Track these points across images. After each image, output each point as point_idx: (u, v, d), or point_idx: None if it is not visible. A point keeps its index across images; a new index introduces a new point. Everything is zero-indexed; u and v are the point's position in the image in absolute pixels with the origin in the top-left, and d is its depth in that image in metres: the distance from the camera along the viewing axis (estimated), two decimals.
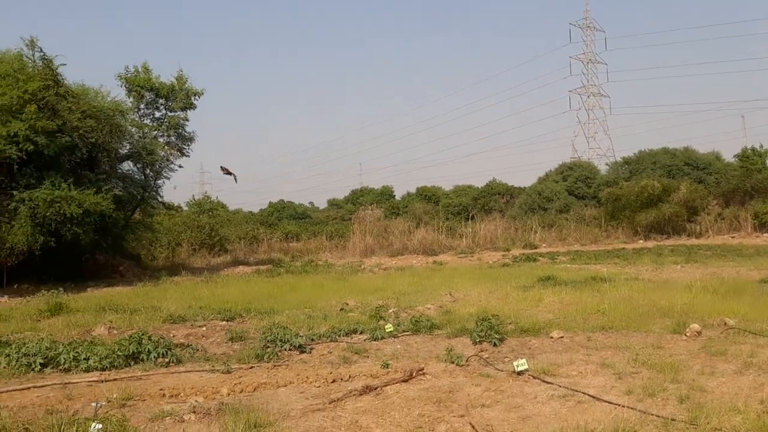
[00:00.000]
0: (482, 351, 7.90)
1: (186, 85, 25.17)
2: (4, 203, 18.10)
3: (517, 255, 26.36)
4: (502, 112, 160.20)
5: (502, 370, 6.85)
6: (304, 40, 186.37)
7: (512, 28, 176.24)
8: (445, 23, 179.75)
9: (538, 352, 7.80)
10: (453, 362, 7.26)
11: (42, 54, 19.71)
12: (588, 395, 5.76)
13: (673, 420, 4.99)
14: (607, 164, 63.89)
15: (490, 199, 54.28)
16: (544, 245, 33.43)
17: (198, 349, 8.51)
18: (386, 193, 69.68)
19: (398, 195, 69.40)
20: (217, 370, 7.28)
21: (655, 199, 35.72)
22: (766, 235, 33.01)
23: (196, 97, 25.54)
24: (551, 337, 8.61)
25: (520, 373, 6.55)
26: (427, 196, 62.61)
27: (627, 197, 36.98)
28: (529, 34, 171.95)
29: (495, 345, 8.19)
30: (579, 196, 50.08)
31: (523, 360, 6.72)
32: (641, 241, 33.50)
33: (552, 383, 6.21)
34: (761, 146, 46.17)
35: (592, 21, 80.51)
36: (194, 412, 5.58)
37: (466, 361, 7.34)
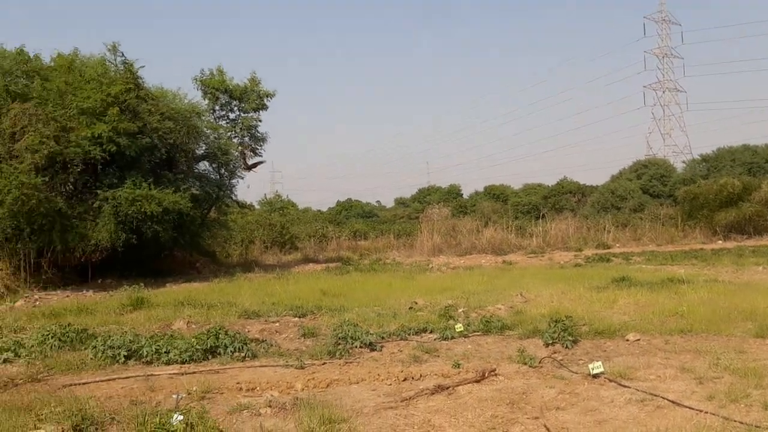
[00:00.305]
0: (555, 353, 7.79)
1: (258, 87, 25.77)
2: (89, 202, 18.97)
3: (589, 255, 25.79)
4: (572, 109, 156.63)
5: (576, 373, 6.74)
6: (369, 35, 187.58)
7: (583, 21, 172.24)
8: (513, 17, 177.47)
9: (613, 355, 7.63)
10: (525, 363, 7.19)
11: (123, 58, 20.56)
12: (667, 400, 5.62)
13: (757, 427, 4.83)
14: (683, 162, 61.74)
15: (561, 198, 53.20)
16: (617, 245, 32.56)
17: (272, 345, 8.71)
18: (453, 192, 69.25)
19: (466, 193, 68.95)
20: (291, 366, 7.43)
21: (735, 197, 34.24)
22: None
23: (268, 99, 26.15)
24: (627, 340, 8.41)
25: (595, 375, 6.43)
26: (496, 194, 61.87)
27: (705, 196, 35.60)
28: (601, 29, 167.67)
29: (568, 347, 8.06)
30: (654, 194, 48.55)
31: (599, 362, 6.59)
32: (720, 242, 32.19)
33: (629, 387, 6.07)
34: None
35: (667, 14, 77.88)
36: (270, 406, 5.73)
37: (539, 362, 7.26)
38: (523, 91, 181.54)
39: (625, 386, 6.12)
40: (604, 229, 36.18)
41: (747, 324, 8.98)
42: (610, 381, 6.34)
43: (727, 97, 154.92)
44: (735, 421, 4.99)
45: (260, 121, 26.21)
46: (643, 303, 11.28)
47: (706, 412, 5.21)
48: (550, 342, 8.23)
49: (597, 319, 9.65)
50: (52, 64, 20.39)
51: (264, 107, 26.08)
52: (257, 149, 26.21)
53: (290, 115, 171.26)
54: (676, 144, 75.95)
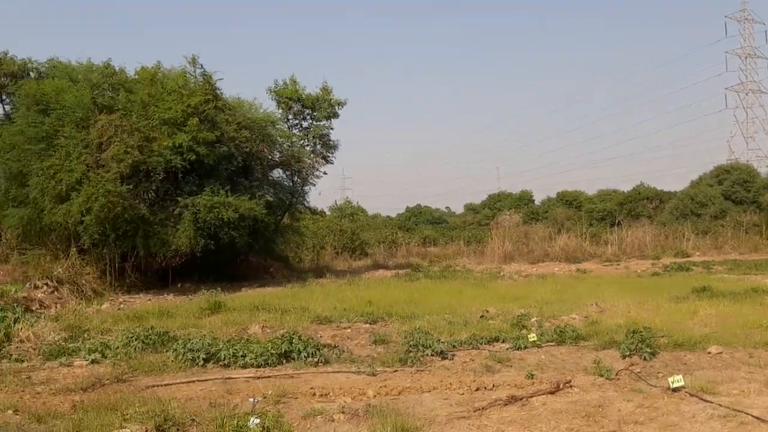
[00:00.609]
0: (632, 365, 7.59)
1: (330, 96, 26.18)
2: (170, 209, 19.71)
3: (667, 264, 24.96)
4: (650, 112, 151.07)
5: (655, 386, 6.55)
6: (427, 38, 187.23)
7: (660, 22, 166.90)
8: (586, 18, 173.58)
9: (694, 368, 7.37)
10: (602, 375, 7.04)
11: (203, 70, 21.31)
12: (752, 416, 5.40)
13: None
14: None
15: (638, 205, 51.65)
16: (697, 254, 31.37)
17: (344, 351, 8.80)
18: (525, 198, 68.40)
19: (538, 200, 67.94)
20: (363, 372, 7.51)
21: None
22: None
23: (340, 107, 26.51)
24: (708, 353, 8.11)
25: (675, 389, 6.23)
26: (569, 201, 60.75)
27: None
28: (678, 29, 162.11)
29: (646, 359, 7.83)
30: (736, 201, 46.46)
31: (679, 376, 6.38)
32: None
33: (711, 402, 5.86)
34: None
35: (750, 13, 74.44)
36: (343, 413, 5.81)
37: (616, 374, 7.09)
38: (598, 94, 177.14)
39: (707, 401, 5.91)
40: (683, 236, 34.91)
41: None
42: (691, 395, 6.12)
43: None
44: None
45: (332, 128, 26.64)
46: (726, 314, 10.84)
47: None
48: (627, 354, 8.02)
49: (676, 331, 9.34)
50: (136, 76, 21.29)
51: (335, 115, 26.47)
52: (329, 156, 26.60)
53: (362, 120, 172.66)
54: (760, 148, 72.41)
